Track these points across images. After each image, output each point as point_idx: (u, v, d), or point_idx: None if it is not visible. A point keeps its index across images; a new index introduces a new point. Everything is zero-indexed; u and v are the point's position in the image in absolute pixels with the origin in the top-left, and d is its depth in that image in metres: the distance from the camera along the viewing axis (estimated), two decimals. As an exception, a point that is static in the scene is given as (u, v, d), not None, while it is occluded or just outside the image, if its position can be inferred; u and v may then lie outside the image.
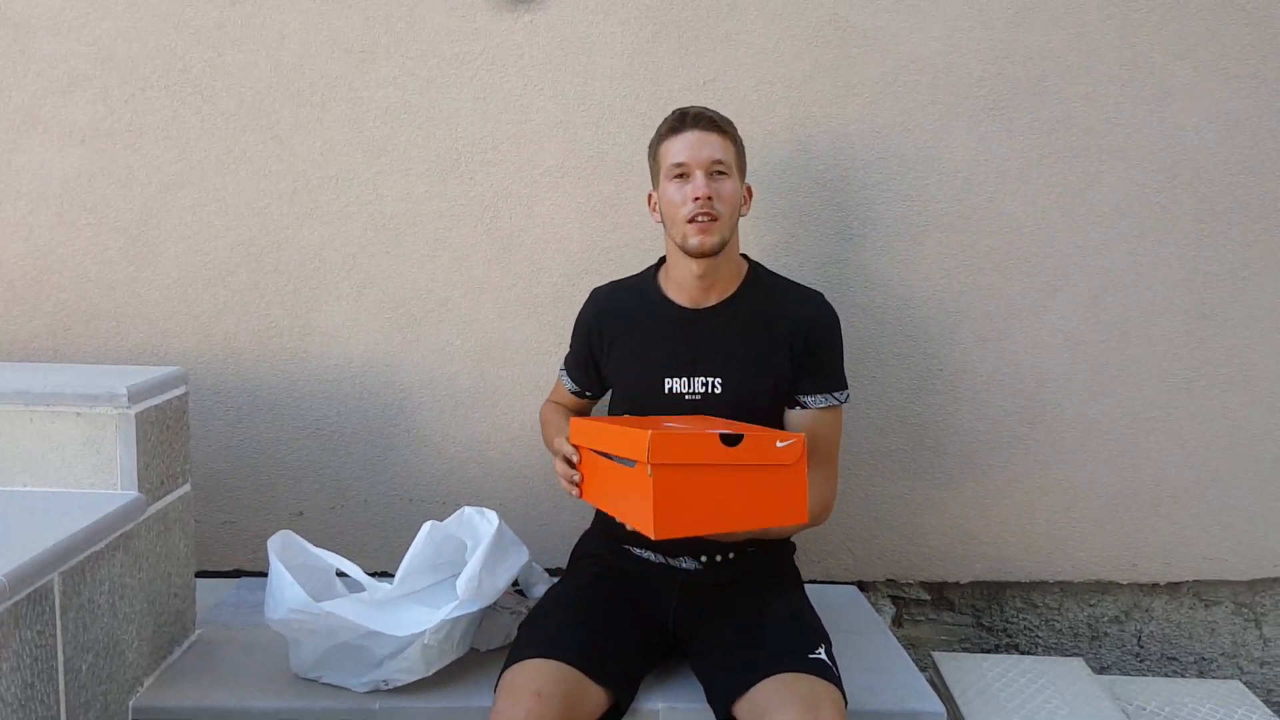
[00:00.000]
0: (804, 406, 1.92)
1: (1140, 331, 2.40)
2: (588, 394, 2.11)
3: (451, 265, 2.35)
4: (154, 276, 2.34)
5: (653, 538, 1.50)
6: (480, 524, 1.89)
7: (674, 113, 1.91)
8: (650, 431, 1.49)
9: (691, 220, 1.83)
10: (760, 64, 2.29)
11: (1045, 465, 2.44)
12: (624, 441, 1.58)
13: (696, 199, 1.82)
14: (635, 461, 1.53)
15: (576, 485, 1.77)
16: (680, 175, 1.85)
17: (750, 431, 1.57)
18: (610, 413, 2.07)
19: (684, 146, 1.85)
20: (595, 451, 1.69)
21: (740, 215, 1.91)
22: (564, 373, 2.13)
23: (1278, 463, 2.45)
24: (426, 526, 1.88)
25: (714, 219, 1.83)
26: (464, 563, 1.84)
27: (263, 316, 2.36)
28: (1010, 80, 2.31)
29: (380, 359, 2.38)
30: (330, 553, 1.92)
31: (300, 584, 1.76)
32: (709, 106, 1.92)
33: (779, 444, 1.56)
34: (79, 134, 2.30)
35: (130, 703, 1.78)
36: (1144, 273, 2.38)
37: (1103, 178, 2.35)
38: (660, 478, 1.49)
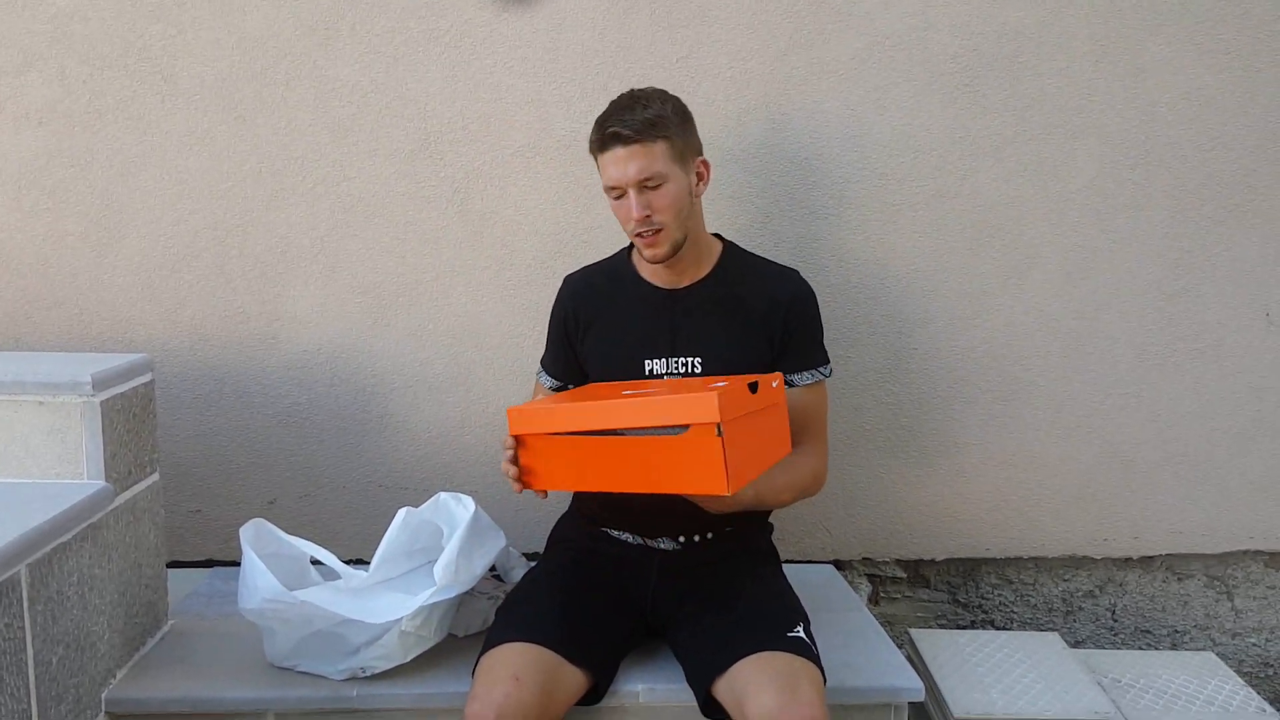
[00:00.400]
0: (791, 385, 1.91)
1: (1114, 308, 2.41)
2: (570, 387, 2.04)
3: (422, 248, 2.32)
4: (117, 262, 2.30)
5: (728, 494, 1.53)
6: (456, 509, 1.87)
7: (597, 122, 1.82)
8: (715, 392, 1.51)
9: (637, 235, 1.82)
10: (734, 40, 2.27)
11: (1020, 442, 2.45)
12: (662, 410, 1.56)
13: (634, 218, 1.80)
14: (686, 426, 1.55)
15: (518, 480, 1.68)
16: (615, 193, 1.82)
17: (749, 380, 1.65)
18: None
19: (610, 166, 1.80)
20: (576, 433, 1.64)
21: (696, 196, 1.87)
22: (542, 372, 2.06)
23: (1248, 437, 2.47)
24: (402, 513, 1.85)
25: (657, 231, 1.81)
26: (440, 549, 1.82)
27: (229, 302, 2.32)
28: (984, 57, 2.30)
29: (351, 344, 2.34)
30: (304, 540, 1.89)
31: (274, 573, 1.73)
32: (641, 96, 1.82)
33: (773, 384, 1.71)
34: (36, 115, 2.24)
35: (103, 694, 1.75)
36: (1118, 249, 2.39)
37: (1076, 155, 2.35)
38: (729, 433, 1.52)
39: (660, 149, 1.77)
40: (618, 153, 1.77)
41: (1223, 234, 2.40)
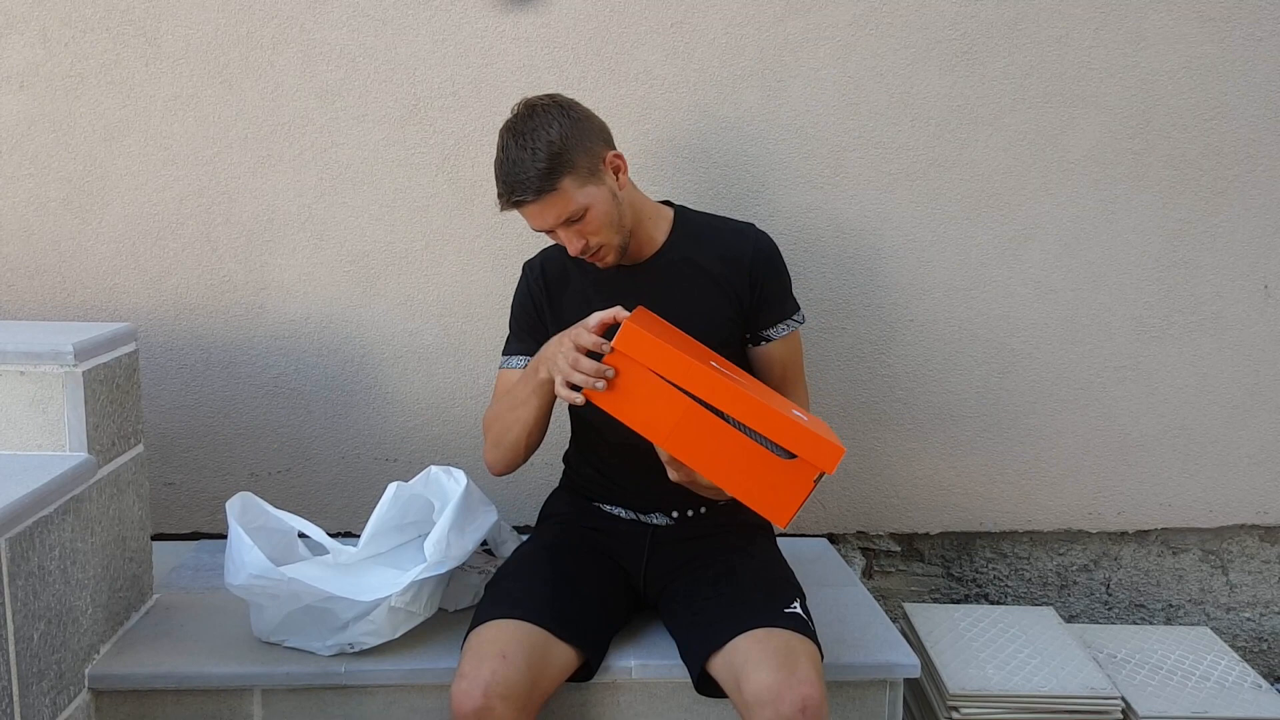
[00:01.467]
0: (769, 340, 1.89)
1: (1112, 279, 2.38)
2: None
3: (411, 216, 2.28)
4: (100, 229, 2.25)
5: (782, 527, 1.57)
6: (448, 484, 1.84)
7: (499, 183, 1.72)
8: (840, 446, 1.52)
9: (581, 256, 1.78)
10: (730, 5, 2.22)
11: (1015, 415, 2.43)
12: (779, 427, 1.52)
13: (572, 252, 1.76)
14: (794, 455, 1.53)
15: (598, 382, 1.56)
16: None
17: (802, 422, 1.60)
18: None
19: (528, 221, 1.75)
20: (676, 387, 1.54)
21: (621, 191, 1.78)
22: (508, 358, 1.93)
23: (1245, 411, 2.46)
24: (392, 488, 1.82)
25: (598, 250, 1.77)
26: (431, 523, 1.79)
27: (215, 270, 2.28)
28: (984, 23, 2.26)
29: (339, 313, 2.31)
30: (291, 514, 1.86)
31: (261, 548, 1.70)
32: (526, 133, 1.69)
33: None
34: (17, 79, 2.19)
35: (86, 671, 1.72)
36: (1116, 220, 2.36)
37: (1075, 124, 2.31)
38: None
39: (566, 186, 1.69)
40: (528, 210, 1.72)
41: (1222, 205, 2.37)
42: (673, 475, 1.64)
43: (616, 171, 1.78)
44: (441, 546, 1.73)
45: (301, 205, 2.26)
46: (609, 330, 1.62)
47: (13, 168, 2.21)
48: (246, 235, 2.27)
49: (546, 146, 1.68)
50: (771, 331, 1.89)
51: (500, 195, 1.73)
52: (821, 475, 1.55)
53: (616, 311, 1.63)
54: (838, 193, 2.31)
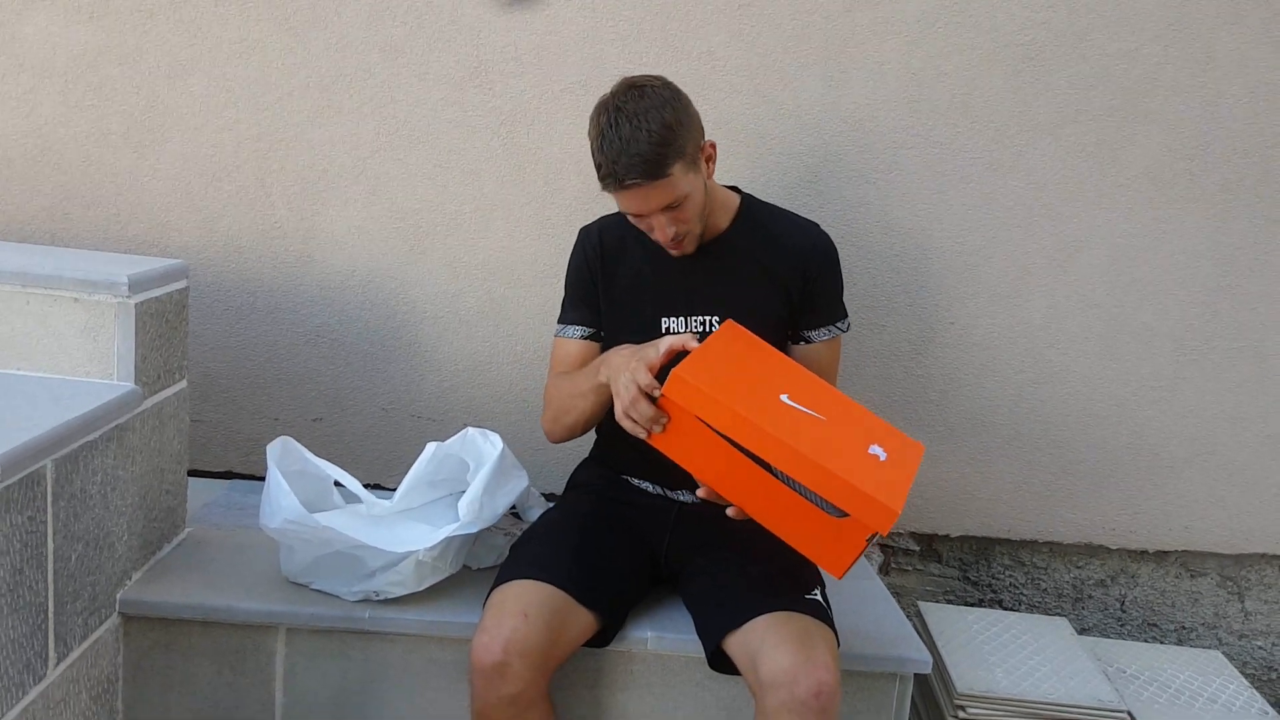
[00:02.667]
0: (808, 341, 1.89)
1: (1156, 298, 2.37)
2: (602, 333, 1.93)
3: (463, 178, 2.29)
4: (157, 165, 2.28)
5: (836, 578, 1.58)
6: (484, 446, 1.86)
7: (602, 154, 1.67)
8: (895, 508, 1.46)
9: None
10: (798, -8, 2.22)
11: (1046, 426, 2.43)
12: (831, 485, 1.48)
13: (662, 240, 1.75)
14: (846, 514, 1.50)
15: (654, 426, 1.57)
16: (635, 217, 1.75)
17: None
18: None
19: (628, 204, 1.71)
20: (735, 444, 1.53)
21: (709, 179, 1.79)
22: (564, 327, 1.93)
23: (1277, 442, 2.44)
24: (431, 447, 1.85)
25: (685, 237, 1.76)
26: (463, 481, 1.82)
27: (267, 216, 2.30)
28: (1053, 30, 2.25)
29: (385, 270, 2.33)
30: (329, 463, 1.88)
31: (296, 492, 1.73)
32: (637, 115, 1.65)
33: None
34: (87, 9, 2.21)
35: (118, 595, 1.76)
36: (1166, 239, 2.35)
37: (1135, 139, 2.30)
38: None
39: (676, 172, 1.66)
40: (633, 194, 1.68)
41: (1275, 233, 2.36)
42: (701, 493, 1.66)
43: (709, 160, 1.78)
44: (475, 508, 1.76)
45: (357, 159, 2.28)
46: (678, 356, 1.59)
47: (77, 97, 2.24)
48: (300, 184, 2.29)
49: (661, 129, 1.64)
50: (814, 334, 1.89)
51: (605, 175, 1.68)
52: (875, 535, 1.53)
53: (686, 340, 1.60)
54: (891, 189, 2.31)
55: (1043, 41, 2.25)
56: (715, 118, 2.24)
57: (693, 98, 1.75)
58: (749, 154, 2.28)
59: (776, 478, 1.54)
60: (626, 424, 1.60)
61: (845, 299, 1.95)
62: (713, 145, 1.79)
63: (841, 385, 1.98)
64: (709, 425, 1.53)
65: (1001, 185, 2.31)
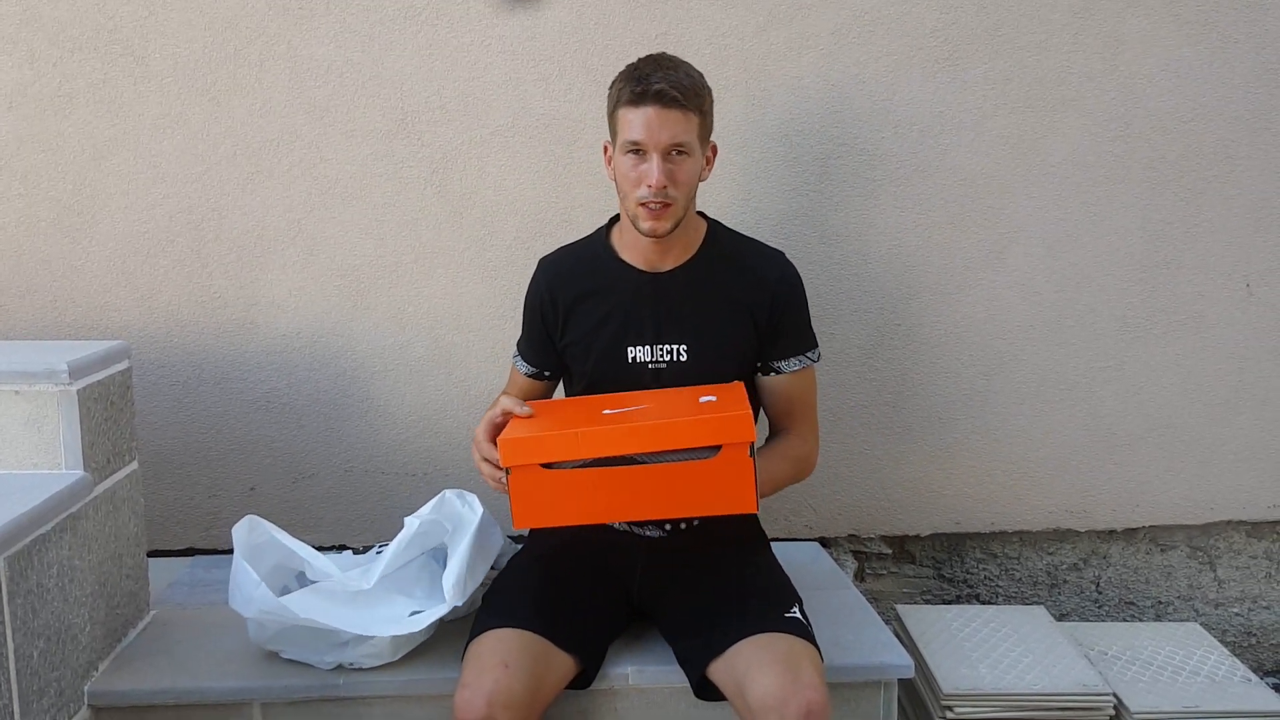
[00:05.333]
0: (779, 372, 1.89)
1: (1095, 281, 2.41)
2: (546, 374, 1.97)
3: (400, 230, 2.29)
4: (91, 248, 2.26)
5: (753, 511, 1.61)
6: (462, 510, 1.85)
7: (635, 74, 1.72)
8: (748, 411, 1.56)
9: (643, 204, 1.73)
10: (713, 17, 2.25)
11: (1003, 416, 2.45)
12: (687, 433, 1.56)
13: (650, 185, 1.71)
14: (718, 447, 1.55)
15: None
16: (636, 151, 1.73)
17: (724, 389, 1.73)
18: (568, 390, 1.99)
19: (641, 124, 1.69)
20: (584, 464, 1.59)
21: (700, 181, 1.81)
22: (518, 358, 1.99)
23: (1230, 408, 2.49)
24: (409, 525, 1.83)
25: (667, 205, 1.73)
26: (440, 542, 1.79)
27: (206, 287, 2.29)
28: (964, 30, 2.29)
29: (330, 328, 2.32)
30: (298, 540, 1.85)
31: (265, 561, 1.71)
32: (676, 61, 1.76)
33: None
34: (6, 99, 2.20)
35: (86, 687, 1.72)
36: (1098, 222, 2.39)
37: (1056, 128, 2.34)
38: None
39: (696, 119, 1.73)
40: (652, 112, 1.69)
41: (1203, 205, 2.40)
42: (650, 531, 1.76)
43: (708, 161, 1.83)
44: (460, 589, 1.74)
45: (291, 221, 2.27)
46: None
47: (3, 187, 2.22)
48: (236, 251, 2.28)
49: (701, 79, 1.76)
50: (784, 364, 1.89)
51: (635, 89, 1.70)
52: (754, 445, 1.57)
53: (514, 406, 1.71)
54: (823, 200, 2.34)
55: (956, 41, 2.29)
56: (644, 146, 2.26)
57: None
58: (682, 179, 2.29)
59: (644, 464, 1.59)
60: (501, 490, 1.66)
61: None
62: (714, 149, 1.84)
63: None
64: (560, 464, 1.60)
65: (931, 186, 2.34)
